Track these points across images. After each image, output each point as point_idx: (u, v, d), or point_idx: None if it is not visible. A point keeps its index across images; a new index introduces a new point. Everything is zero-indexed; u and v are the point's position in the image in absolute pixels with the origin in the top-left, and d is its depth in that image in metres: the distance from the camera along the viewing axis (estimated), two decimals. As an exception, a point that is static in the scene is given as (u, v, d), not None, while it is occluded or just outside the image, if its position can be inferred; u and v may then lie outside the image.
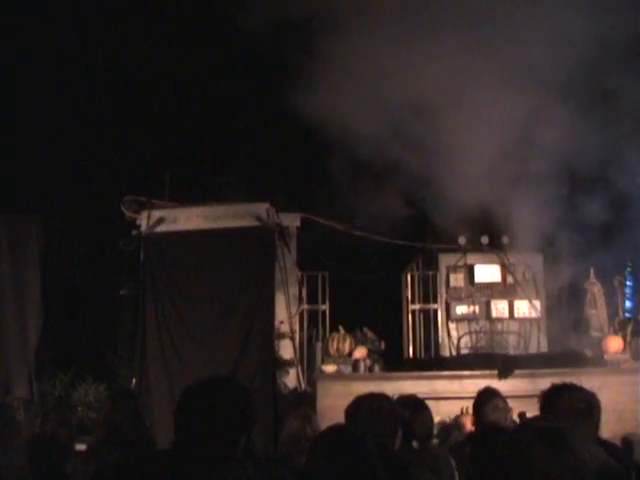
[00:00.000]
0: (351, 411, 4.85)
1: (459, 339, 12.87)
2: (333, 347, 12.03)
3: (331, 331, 12.65)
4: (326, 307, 13.33)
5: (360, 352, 12.00)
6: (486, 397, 7.07)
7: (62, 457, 5.68)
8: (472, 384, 10.45)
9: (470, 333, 12.88)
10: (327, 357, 12.06)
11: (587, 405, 4.79)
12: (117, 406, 6.59)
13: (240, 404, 3.77)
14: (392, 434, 4.77)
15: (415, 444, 5.58)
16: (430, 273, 13.52)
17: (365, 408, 4.81)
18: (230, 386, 3.91)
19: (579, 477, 3.12)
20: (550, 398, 4.90)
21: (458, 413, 9.63)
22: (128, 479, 3.81)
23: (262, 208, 12.24)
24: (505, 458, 3.21)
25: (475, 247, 13.36)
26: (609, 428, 8.20)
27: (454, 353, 12.80)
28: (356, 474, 3.63)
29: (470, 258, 13.13)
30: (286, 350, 12.35)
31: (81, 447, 6.50)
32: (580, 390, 4.91)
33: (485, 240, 13.20)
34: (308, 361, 12.68)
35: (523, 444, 3.17)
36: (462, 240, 13.24)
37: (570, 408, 4.73)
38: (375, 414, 4.73)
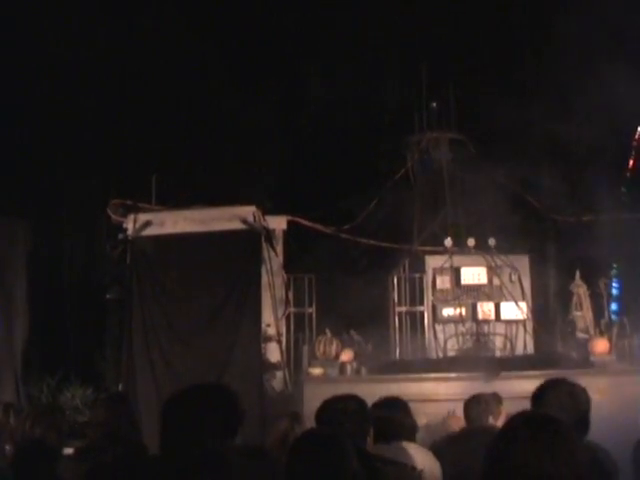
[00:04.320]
0: (319, 414, 4.88)
1: (446, 341, 12.89)
2: (320, 350, 12.04)
3: (318, 334, 12.66)
4: (312, 310, 13.34)
5: (347, 355, 12.01)
6: (473, 396, 7.14)
7: (50, 461, 5.68)
8: (458, 386, 10.50)
9: (456, 335, 12.90)
10: (314, 360, 12.07)
11: (572, 399, 4.80)
12: (101, 409, 6.59)
13: (223, 409, 3.78)
14: (362, 434, 4.79)
15: (399, 444, 5.60)
16: (417, 275, 13.55)
17: (331, 409, 4.84)
18: (212, 391, 3.92)
19: (575, 463, 3.11)
20: (537, 393, 4.91)
21: (445, 415, 9.65)
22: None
23: (249, 211, 12.26)
24: (494, 451, 3.20)
25: (461, 249, 13.41)
26: (595, 430, 8.23)
27: (441, 355, 12.82)
28: (334, 475, 3.64)
29: (456, 260, 13.16)
30: (273, 353, 12.36)
31: (69, 451, 6.50)
32: (567, 384, 4.90)
33: (471, 242, 13.23)
34: (295, 364, 12.68)
35: (512, 434, 3.18)
36: (448, 242, 13.28)
37: (553, 403, 4.74)
38: (342, 414, 4.76)
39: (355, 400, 4.94)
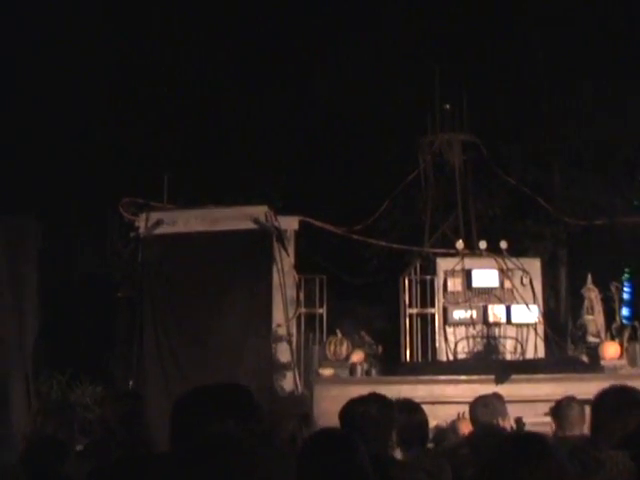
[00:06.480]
0: (342, 415, 4.84)
1: (456, 344, 12.87)
2: (330, 351, 12.02)
3: (328, 335, 12.64)
4: (323, 310, 13.31)
5: (357, 356, 12.00)
6: (478, 398, 7.11)
7: (61, 458, 5.68)
8: (469, 389, 10.46)
9: (467, 338, 12.87)
10: (324, 361, 12.06)
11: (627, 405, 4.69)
12: (110, 407, 6.59)
13: (240, 410, 3.76)
14: (384, 438, 4.73)
15: (415, 448, 5.58)
16: (428, 277, 13.51)
17: (353, 413, 4.78)
18: (228, 392, 3.90)
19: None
20: (597, 400, 4.81)
21: (454, 418, 9.63)
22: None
23: (260, 211, 12.25)
24: (486, 470, 3.31)
25: (473, 252, 13.38)
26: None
27: (451, 358, 12.80)
28: (345, 475, 3.62)
29: (468, 263, 13.12)
30: (283, 353, 12.34)
31: (79, 449, 6.51)
32: (622, 390, 4.79)
33: (483, 245, 13.21)
34: (305, 365, 12.66)
35: (501, 459, 3.27)
36: (460, 244, 13.25)
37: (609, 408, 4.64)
38: (362, 419, 4.70)
39: (378, 403, 4.85)
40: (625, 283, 16.51)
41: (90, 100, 16.46)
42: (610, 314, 12.61)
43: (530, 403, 9.93)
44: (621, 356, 11.75)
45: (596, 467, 4.09)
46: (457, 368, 11.96)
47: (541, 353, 12.90)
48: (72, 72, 16.17)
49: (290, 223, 12.92)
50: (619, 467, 4.27)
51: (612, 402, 4.62)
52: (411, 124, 15.47)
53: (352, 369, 11.93)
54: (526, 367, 11.84)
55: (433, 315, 13.31)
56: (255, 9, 17.21)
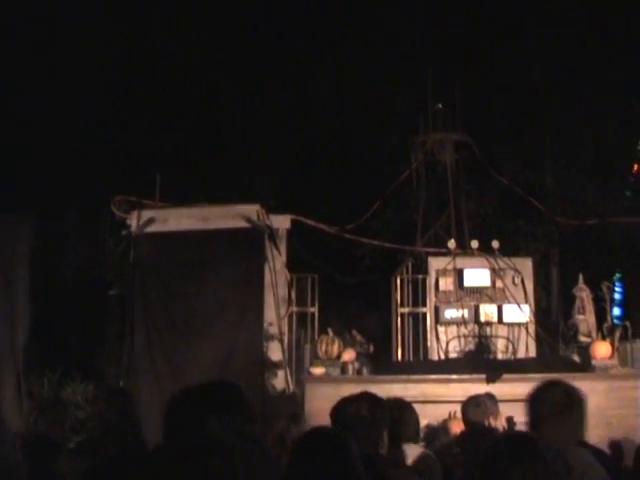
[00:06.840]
0: (333, 414, 4.84)
1: (448, 343, 12.87)
2: (322, 349, 12.02)
3: (320, 333, 12.64)
4: (315, 309, 13.31)
5: (349, 355, 12.00)
6: (470, 398, 7.13)
7: (54, 455, 5.68)
8: (460, 388, 10.48)
9: (459, 337, 12.88)
10: (315, 359, 12.06)
11: (568, 399, 4.77)
12: (105, 404, 6.59)
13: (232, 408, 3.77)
14: (375, 437, 4.73)
15: (406, 446, 5.59)
16: (419, 276, 13.52)
17: (343, 412, 4.78)
18: (219, 389, 3.91)
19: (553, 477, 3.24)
20: (533, 394, 4.89)
21: (446, 417, 9.64)
22: (118, 477, 3.81)
23: (252, 209, 12.25)
24: (481, 470, 3.34)
25: (464, 251, 13.39)
26: (596, 433, 8.23)
27: (442, 357, 12.81)
28: (336, 475, 3.62)
29: (460, 262, 13.13)
30: (274, 352, 12.34)
31: (72, 446, 6.51)
32: (563, 385, 4.87)
33: (475, 244, 13.22)
34: (296, 363, 12.66)
35: (493, 459, 3.31)
36: (452, 244, 13.26)
37: (549, 406, 4.72)
38: (352, 419, 4.70)
39: (369, 402, 4.85)
40: (616, 283, 16.56)
41: (84, 99, 16.45)
42: (601, 314, 12.62)
43: (521, 402, 9.92)
44: (612, 356, 11.76)
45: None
46: (448, 367, 11.97)
47: (532, 352, 12.91)
48: (69, 72, 16.16)
49: (282, 222, 12.91)
50: (583, 466, 4.30)
51: (555, 401, 4.68)
52: (404, 124, 15.49)
53: (343, 368, 11.94)
54: (517, 366, 11.85)
55: (425, 314, 13.32)
56: (251, 8, 17.21)
